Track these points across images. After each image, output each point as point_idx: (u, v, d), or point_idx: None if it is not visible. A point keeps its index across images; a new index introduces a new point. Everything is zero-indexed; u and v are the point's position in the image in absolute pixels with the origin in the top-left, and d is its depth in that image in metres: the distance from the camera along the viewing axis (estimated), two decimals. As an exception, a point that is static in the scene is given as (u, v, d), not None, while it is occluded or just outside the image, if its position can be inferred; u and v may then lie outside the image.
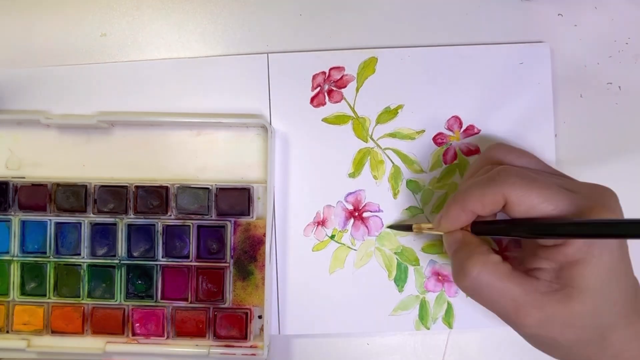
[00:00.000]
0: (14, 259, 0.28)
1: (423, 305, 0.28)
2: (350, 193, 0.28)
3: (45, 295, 0.27)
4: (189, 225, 0.27)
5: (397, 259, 0.28)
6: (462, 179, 0.27)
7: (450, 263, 0.23)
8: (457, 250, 0.23)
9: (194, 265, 0.27)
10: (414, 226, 0.26)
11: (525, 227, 0.21)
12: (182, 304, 0.27)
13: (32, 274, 0.27)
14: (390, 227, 0.28)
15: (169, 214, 0.27)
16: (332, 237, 0.28)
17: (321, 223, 0.28)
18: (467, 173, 0.26)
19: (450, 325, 0.28)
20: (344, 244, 0.28)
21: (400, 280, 0.28)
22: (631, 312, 0.22)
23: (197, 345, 0.27)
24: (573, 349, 0.22)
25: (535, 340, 0.23)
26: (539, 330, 0.22)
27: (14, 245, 0.28)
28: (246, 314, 0.27)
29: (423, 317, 0.28)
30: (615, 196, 0.22)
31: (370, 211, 0.28)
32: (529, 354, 0.28)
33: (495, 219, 0.24)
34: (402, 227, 0.28)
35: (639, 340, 0.22)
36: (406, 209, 0.28)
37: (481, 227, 0.23)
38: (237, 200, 0.27)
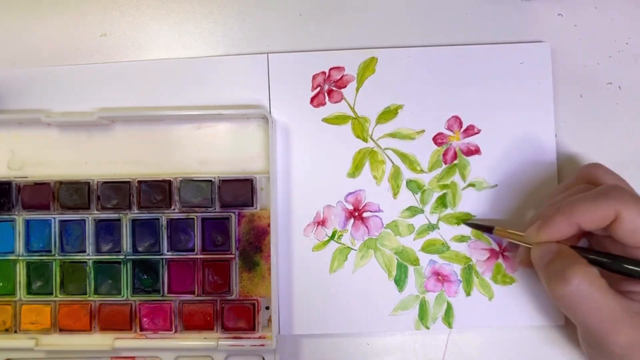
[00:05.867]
0: (20, 258, 0.34)
1: (423, 305, 0.34)
2: (350, 193, 0.35)
3: (51, 294, 0.34)
4: (193, 218, 0.34)
5: (397, 259, 0.34)
6: (552, 194, 0.32)
7: (542, 273, 0.27)
8: (554, 259, 0.27)
9: (200, 258, 0.33)
10: (496, 229, 0.32)
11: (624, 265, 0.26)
12: (189, 297, 0.33)
13: (38, 273, 0.34)
14: (467, 224, 0.34)
15: (172, 207, 0.34)
16: (332, 237, 0.34)
17: (321, 223, 0.35)
18: (558, 188, 0.31)
19: (450, 325, 0.34)
20: (344, 244, 0.34)
21: (400, 280, 0.34)
22: None
23: (205, 338, 0.33)
24: None
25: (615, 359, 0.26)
26: (628, 350, 0.26)
27: (19, 245, 0.34)
28: (253, 305, 0.33)
29: (423, 317, 0.34)
30: None
31: (370, 211, 0.35)
32: (529, 354, 0.34)
33: (596, 250, 0.28)
34: (481, 227, 0.33)
35: None
36: (406, 209, 0.34)
37: (588, 254, 0.27)
38: (240, 191, 0.33)
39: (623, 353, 0.26)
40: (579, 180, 0.30)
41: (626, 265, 0.27)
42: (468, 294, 0.34)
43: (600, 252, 0.28)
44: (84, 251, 0.34)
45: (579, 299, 0.26)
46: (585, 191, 0.28)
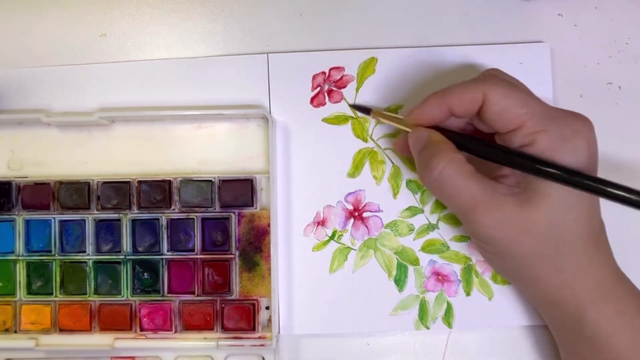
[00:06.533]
0: (20, 258, 0.34)
1: (423, 305, 0.34)
2: (350, 193, 0.35)
3: (51, 294, 0.34)
4: (193, 218, 0.34)
5: (397, 259, 0.34)
6: None
7: (415, 160, 0.29)
8: (424, 147, 0.28)
9: (200, 258, 0.34)
10: (373, 111, 0.33)
11: (485, 149, 0.27)
12: (189, 297, 0.33)
13: (38, 273, 0.34)
14: (350, 105, 0.34)
15: (172, 207, 0.34)
16: (332, 237, 0.34)
17: (321, 223, 0.35)
18: None
19: (450, 325, 0.34)
20: (344, 244, 0.34)
21: (400, 280, 0.34)
22: (589, 240, 0.27)
23: (205, 338, 0.33)
24: (525, 262, 0.27)
25: (489, 243, 0.28)
26: (493, 230, 0.27)
27: (19, 245, 0.34)
28: (253, 305, 0.33)
29: (423, 316, 0.34)
30: (589, 126, 0.27)
31: (370, 211, 0.35)
32: (528, 354, 0.34)
33: (461, 132, 0.29)
34: (360, 108, 0.34)
35: (593, 269, 0.27)
36: (406, 209, 0.35)
37: (447, 134, 0.28)
38: (240, 191, 0.34)
39: (487, 233, 0.27)
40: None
41: (488, 149, 0.28)
42: (468, 294, 0.34)
43: (470, 137, 0.29)
44: (84, 251, 0.34)
45: (443, 184, 0.27)
46: None
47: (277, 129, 0.35)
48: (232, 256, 0.34)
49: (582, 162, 0.26)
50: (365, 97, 0.35)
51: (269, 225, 0.33)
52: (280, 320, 0.34)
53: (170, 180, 0.34)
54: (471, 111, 0.28)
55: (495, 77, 0.28)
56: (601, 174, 0.35)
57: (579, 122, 0.27)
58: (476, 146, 0.28)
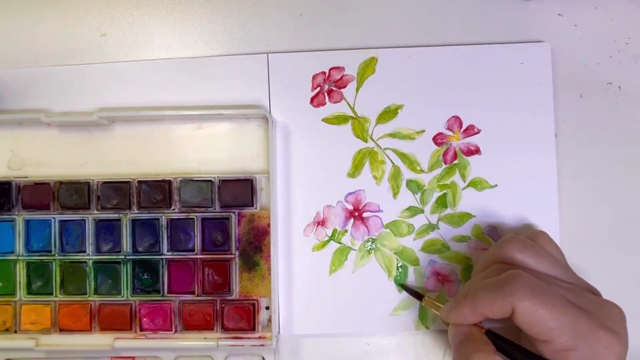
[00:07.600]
0: (20, 258, 0.34)
1: (423, 305, 0.35)
2: (350, 193, 0.35)
3: (51, 294, 0.34)
4: (193, 218, 0.34)
5: (397, 259, 0.34)
6: (474, 270, 0.32)
7: (453, 352, 0.29)
8: (464, 342, 0.28)
9: (200, 258, 0.34)
10: (425, 298, 0.32)
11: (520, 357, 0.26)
12: (189, 297, 0.33)
13: (38, 273, 0.34)
14: (402, 286, 0.34)
15: (172, 207, 0.34)
16: (332, 237, 0.35)
17: (321, 223, 0.35)
18: (477, 265, 0.31)
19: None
20: (344, 244, 0.35)
21: (400, 280, 0.35)
22: None
23: (205, 338, 0.33)
24: None
25: None
26: None
27: (19, 245, 0.34)
28: (253, 305, 0.33)
29: (423, 316, 0.34)
30: (621, 314, 0.27)
31: (370, 211, 0.35)
32: (529, 353, 0.36)
33: (505, 338, 0.28)
34: (413, 292, 0.33)
35: None
36: (406, 209, 0.35)
37: (491, 336, 0.28)
38: (240, 191, 0.34)
39: None
40: (495, 258, 0.30)
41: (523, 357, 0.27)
42: (468, 294, 0.34)
43: (508, 341, 0.28)
44: (84, 251, 0.34)
45: None
46: (498, 272, 0.28)
47: (277, 129, 0.35)
48: (232, 256, 0.34)
49: None
50: (366, 97, 0.35)
51: (269, 225, 0.33)
52: (280, 320, 0.34)
53: (170, 180, 0.34)
54: (505, 316, 0.27)
55: (520, 283, 0.26)
56: (600, 174, 0.35)
57: (610, 339, 0.26)
58: (512, 350, 0.27)
